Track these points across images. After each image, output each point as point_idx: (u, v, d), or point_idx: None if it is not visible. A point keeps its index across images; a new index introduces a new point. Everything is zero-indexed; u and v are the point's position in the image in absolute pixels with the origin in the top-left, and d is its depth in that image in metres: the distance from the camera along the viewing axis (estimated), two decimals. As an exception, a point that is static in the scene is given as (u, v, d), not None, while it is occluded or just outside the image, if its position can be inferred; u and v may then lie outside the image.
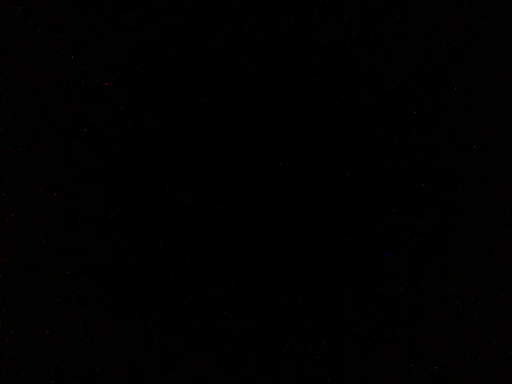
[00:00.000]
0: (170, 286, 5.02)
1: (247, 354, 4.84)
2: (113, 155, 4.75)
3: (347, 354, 4.68)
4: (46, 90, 4.97)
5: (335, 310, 4.69)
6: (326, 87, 5.19)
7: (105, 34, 4.95)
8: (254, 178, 4.82)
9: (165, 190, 4.77)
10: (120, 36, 4.96)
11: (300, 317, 4.82)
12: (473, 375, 4.83)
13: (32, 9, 4.94)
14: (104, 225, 4.77)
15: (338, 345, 4.65)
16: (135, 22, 4.97)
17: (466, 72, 4.89)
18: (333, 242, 5.01)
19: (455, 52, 4.89)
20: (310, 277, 4.88)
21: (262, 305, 4.96)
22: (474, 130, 4.94)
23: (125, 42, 4.98)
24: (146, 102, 4.94)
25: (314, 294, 4.75)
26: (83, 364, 4.83)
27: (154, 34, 4.94)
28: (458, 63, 4.95)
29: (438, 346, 4.76)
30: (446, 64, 4.98)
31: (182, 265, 4.99)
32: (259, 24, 4.93)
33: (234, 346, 4.91)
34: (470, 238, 5.13)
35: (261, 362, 4.91)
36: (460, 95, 5.00)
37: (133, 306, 4.99)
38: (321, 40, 4.95)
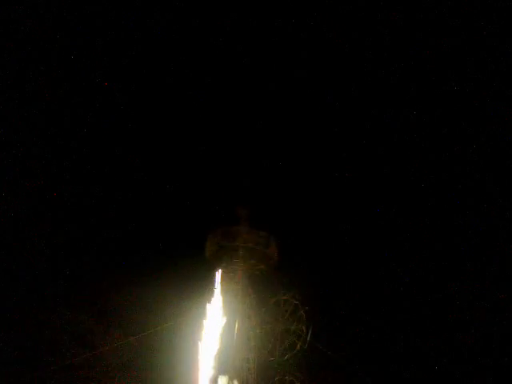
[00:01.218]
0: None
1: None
2: (113, 154, 4.69)
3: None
4: (46, 90, 4.93)
5: (335, 310, 4.63)
6: (326, 87, 5.11)
7: (105, 34, 4.91)
8: (254, 177, 4.73)
9: (164, 191, 4.70)
10: (120, 36, 4.92)
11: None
12: (472, 375, 4.78)
13: (32, 9, 4.92)
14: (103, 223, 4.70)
15: (337, 345, 4.59)
16: (135, 23, 4.92)
17: (466, 73, 4.82)
18: (332, 242, 4.96)
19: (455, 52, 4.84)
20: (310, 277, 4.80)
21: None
22: (474, 131, 4.88)
23: (125, 42, 4.94)
24: (146, 102, 4.88)
25: (313, 296, 4.69)
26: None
27: (154, 34, 4.88)
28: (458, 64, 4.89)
29: (438, 345, 4.71)
30: (446, 65, 4.92)
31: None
32: (259, 25, 4.86)
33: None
34: (469, 238, 5.07)
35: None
36: (460, 96, 4.93)
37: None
38: (321, 41, 4.88)
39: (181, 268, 16.87)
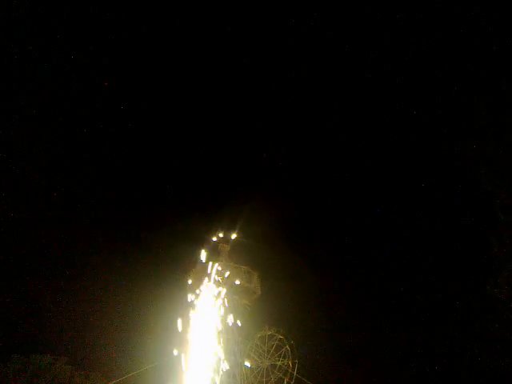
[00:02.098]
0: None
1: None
2: (113, 154, 4.81)
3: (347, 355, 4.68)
4: (46, 90, 5.06)
5: (336, 311, 4.74)
6: (326, 88, 5.42)
7: (105, 35, 5.13)
8: (252, 177, 4.90)
9: (164, 193, 4.81)
10: (120, 36, 5.15)
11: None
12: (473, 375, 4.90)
13: (32, 9, 5.12)
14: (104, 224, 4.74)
15: (337, 345, 4.65)
16: (136, 23, 5.17)
17: (466, 72, 5.20)
18: (332, 242, 5.11)
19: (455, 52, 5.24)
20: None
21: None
22: (474, 131, 5.23)
23: (125, 42, 5.17)
24: (146, 102, 5.07)
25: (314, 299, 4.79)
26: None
27: (155, 34, 5.13)
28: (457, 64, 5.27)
29: (437, 345, 4.84)
30: (446, 65, 5.30)
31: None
32: (258, 25, 5.17)
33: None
34: (469, 238, 5.32)
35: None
36: (460, 96, 5.29)
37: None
38: (321, 41, 5.22)
39: (160, 308, 16.51)
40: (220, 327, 16.35)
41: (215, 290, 16.76)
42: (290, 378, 17.21)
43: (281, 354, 17.67)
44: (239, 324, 16.60)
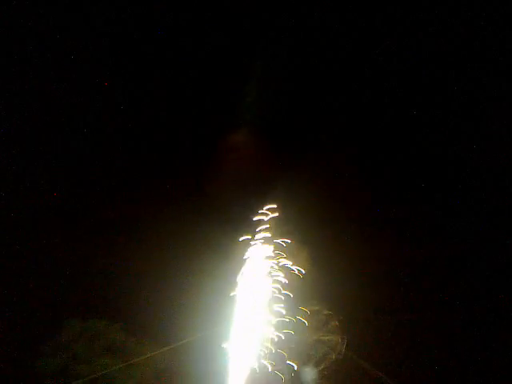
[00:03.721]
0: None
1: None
2: (113, 154, 4.62)
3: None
4: (46, 90, 4.90)
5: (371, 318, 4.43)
6: (327, 88, 4.99)
7: (105, 34, 4.89)
8: (250, 179, 4.60)
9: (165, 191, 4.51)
10: (120, 36, 4.89)
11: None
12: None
13: (32, 9, 4.92)
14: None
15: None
16: (135, 23, 4.89)
17: (466, 72, 4.68)
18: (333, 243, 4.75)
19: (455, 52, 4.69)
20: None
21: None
22: (474, 131, 4.73)
23: (125, 41, 4.91)
24: (146, 102, 4.82)
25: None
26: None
27: (155, 34, 4.83)
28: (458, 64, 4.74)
29: (437, 345, 4.52)
30: (446, 64, 4.78)
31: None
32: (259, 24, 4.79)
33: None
34: (469, 238, 4.91)
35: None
36: (460, 96, 4.78)
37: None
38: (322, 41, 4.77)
39: (214, 275, 16.63)
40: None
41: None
42: (339, 353, 17.13)
43: (328, 330, 17.56)
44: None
